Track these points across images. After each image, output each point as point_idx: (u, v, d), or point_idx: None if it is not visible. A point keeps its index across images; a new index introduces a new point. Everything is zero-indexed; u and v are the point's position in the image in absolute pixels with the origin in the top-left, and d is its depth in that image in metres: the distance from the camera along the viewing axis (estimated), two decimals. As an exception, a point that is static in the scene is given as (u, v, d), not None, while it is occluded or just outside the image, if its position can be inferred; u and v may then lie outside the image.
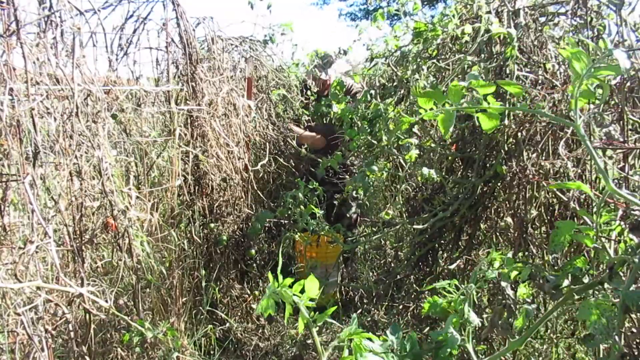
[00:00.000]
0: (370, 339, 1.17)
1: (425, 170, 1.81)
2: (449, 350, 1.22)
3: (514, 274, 1.29)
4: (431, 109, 1.06)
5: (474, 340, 1.86)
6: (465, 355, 1.79)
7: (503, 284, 1.31)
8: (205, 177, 2.40)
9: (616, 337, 0.96)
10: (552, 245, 1.18)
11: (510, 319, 1.29)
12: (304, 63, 4.44)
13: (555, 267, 1.22)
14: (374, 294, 2.20)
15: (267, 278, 2.84)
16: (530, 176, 1.72)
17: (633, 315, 1.20)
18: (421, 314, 2.14)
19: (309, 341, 2.35)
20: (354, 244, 2.10)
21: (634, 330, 1.11)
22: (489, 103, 1.04)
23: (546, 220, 1.86)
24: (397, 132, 1.22)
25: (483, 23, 1.73)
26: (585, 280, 1.13)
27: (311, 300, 1.12)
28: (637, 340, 1.08)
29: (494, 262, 1.31)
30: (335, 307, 1.26)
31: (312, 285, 1.13)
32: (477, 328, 1.82)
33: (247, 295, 2.72)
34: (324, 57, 3.14)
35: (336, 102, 2.19)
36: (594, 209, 1.12)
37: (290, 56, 3.84)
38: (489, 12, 1.86)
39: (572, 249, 1.66)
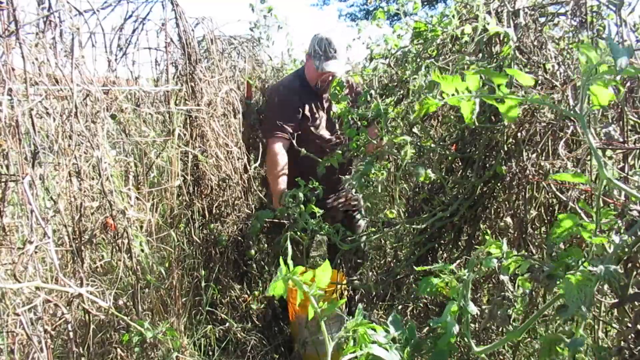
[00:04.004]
0: (374, 330, 1.18)
1: (421, 170, 1.81)
2: (447, 339, 1.23)
3: (512, 266, 1.30)
4: (453, 95, 1.06)
5: (474, 340, 1.86)
6: (465, 356, 1.79)
7: (502, 276, 1.31)
8: (205, 178, 2.40)
9: (584, 308, 0.99)
10: (551, 238, 1.19)
11: (508, 311, 1.30)
12: (303, 61, 4.43)
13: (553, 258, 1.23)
14: (373, 294, 2.20)
15: (267, 278, 2.85)
16: (530, 176, 1.72)
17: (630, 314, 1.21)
18: (421, 314, 2.15)
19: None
20: (353, 243, 2.10)
21: (630, 324, 1.12)
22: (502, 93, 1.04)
23: (546, 221, 1.86)
24: (421, 114, 1.20)
25: (480, 23, 1.73)
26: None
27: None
28: (633, 335, 1.08)
29: (489, 250, 1.31)
30: (345, 300, 1.26)
31: (323, 275, 1.14)
32: (475, 325, 1.82)
33: (246, 295, 2.72)
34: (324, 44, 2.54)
35: (336, 102, 2.19)
36: (594, 208, 1.13)
37: (287, 53, 3.83)
38: (488, 12, 1.86)
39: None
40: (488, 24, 1.65)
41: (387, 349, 1.17)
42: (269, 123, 2.65)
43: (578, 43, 0.91)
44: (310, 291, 1.12)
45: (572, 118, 1.70)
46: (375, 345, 1.16)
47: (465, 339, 1.24)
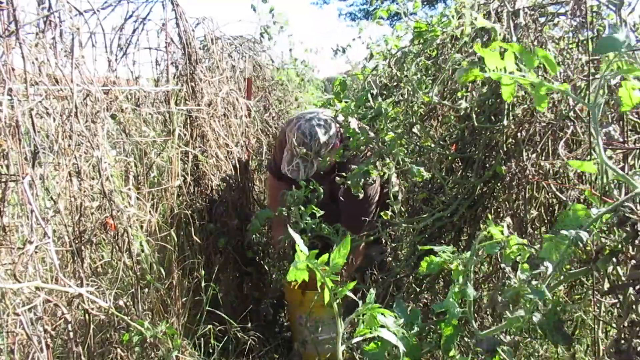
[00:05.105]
0: (383, 314, 1.22)
1: (415, 168, 1.82)
2: (451, 321, 1.25)
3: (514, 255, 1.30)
4: (493, 71, 1.10)
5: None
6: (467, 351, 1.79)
7: (504, 265, 1.32)
8: (205, 178, 2.40)
9: (550, 265, 1.06)
10: (558, 225, 1.19)
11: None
12: (304, 60, 4.47)
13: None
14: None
15: (267, 278, 2.84)
16: (530, 176, 1.72)
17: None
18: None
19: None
20: (353, 244, 2.09)
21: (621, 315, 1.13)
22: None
23: (546, 221, 1.86)
24: (467, 80, 1.23)
25: (467, 19, 1.74)
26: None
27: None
28: (626, 324, 1.09)
29: (492, 232, 1.32)
30: (356, 281, 1.29)
31: (339, 257, 1.16)
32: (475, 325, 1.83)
33: (247, 295, 2.72)
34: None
35: (339, 100, 2.19)
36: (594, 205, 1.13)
37: (288, 54, 3.85)
38: (488, 12, 1.86)
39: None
40: (475, 19, 1.66)
41: (395, 334, 1.19)
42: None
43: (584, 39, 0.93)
44: (325, 275, 1.16)
45: (572, 118, 1.71)
46: (384, 329, 1.20)
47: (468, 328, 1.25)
